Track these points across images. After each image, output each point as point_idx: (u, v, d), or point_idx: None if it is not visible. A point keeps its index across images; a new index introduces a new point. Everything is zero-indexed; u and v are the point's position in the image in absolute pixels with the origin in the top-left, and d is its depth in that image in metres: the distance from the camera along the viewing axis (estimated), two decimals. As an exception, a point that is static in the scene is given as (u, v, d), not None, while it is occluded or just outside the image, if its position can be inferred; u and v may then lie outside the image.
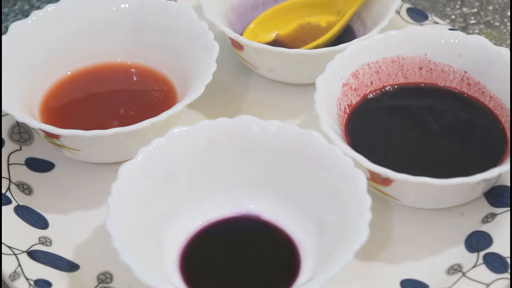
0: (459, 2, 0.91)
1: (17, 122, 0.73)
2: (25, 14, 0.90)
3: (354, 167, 0.60)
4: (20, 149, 0.73)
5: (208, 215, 0.65)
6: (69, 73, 0.76)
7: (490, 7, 0.90)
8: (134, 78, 0.76)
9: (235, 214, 0.65)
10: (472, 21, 0.89)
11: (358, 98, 0.71)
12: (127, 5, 0.76)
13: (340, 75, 0.69)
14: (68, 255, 0.65)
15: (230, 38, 0.75)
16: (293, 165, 0.63)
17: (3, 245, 0.64)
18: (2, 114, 0.73)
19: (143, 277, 0.54)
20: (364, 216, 0.57)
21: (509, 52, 0.69)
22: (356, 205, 0.58)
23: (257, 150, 0.64)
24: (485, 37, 0.71)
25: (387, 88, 0.72)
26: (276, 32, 0.82)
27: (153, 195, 0.62)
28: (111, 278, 0.64)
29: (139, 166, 0.61)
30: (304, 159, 0.62)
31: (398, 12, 0.82)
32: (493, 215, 0.67)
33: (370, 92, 0.71)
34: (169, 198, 0.63)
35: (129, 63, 0.77)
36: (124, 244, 0.56)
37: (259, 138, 0.64)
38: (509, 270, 0.62)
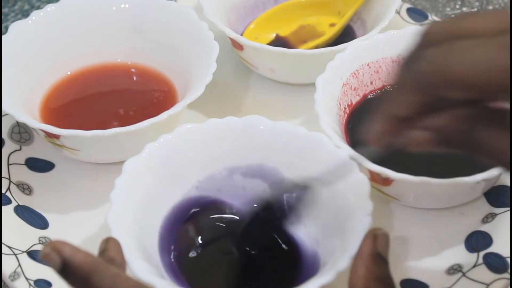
0: (459, 2, 0.91)
1: (17, 122, 0.73)
2: (25, 14, 0.90)
3: (359, 171, 0.59)
4: (20, 149, 0.72)
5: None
6: (69, 73, 0.76)
7: (490, 7, 0.90)
8: (134, 78, 0.76)
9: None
10: (472, 21, 0.89)
11: (358, 98, 0.71)
12: (127, 5, 0.76)
13: (340, 75, 0.69)
14: (68, 255, 0.65)
15: (230, 38, 0.75)
16: (297, 166, 0.63)
17: (3, 245, 0.64)
18: (2, 114, 0.73)
19: (143, 275, 0.54)
20: (364, 221, 0.56)
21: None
22: (358, 210, 0.58)
23: (263, 150, 0.64)
24: (485, 37, 0.71)
25: (387, 88, 0.72)
26: (276, 32, 0.82)
27: (157, 192, 0.61)
28: (111, 278, 0.64)
29: (145, 162, 0.61)
30: (309, 161, 0.62)
31: (398, 12, 0.82)
32: (493, 215, 0.66)
33: (370, 92, 0.71)
34: (173, 195, 0.63)
35: (129, 63, 0.77)
36: (124, 241, 0.56)
37: (265, 138, 0.63)
38: (509, 270, 0.62)
